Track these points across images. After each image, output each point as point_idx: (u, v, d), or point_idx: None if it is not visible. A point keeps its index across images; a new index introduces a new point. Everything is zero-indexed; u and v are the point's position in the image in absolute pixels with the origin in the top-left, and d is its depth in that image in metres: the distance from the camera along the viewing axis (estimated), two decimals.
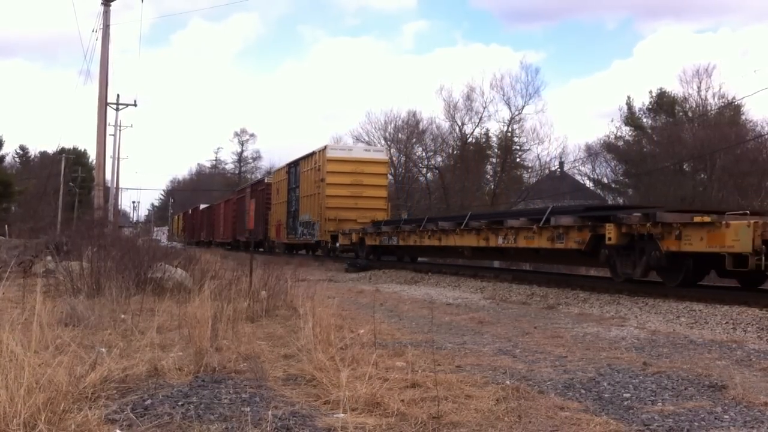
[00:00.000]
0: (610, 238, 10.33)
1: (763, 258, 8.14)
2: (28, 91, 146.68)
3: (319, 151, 23.02)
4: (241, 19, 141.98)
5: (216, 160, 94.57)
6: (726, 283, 11.09)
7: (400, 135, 59.11)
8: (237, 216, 35.86)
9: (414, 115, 59.02)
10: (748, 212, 9.36)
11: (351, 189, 22.06)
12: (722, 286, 11.02)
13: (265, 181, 31.92)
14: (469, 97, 53.19)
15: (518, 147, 53.72)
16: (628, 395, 4.36)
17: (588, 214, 11.35)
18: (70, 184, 65.41)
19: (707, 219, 8.96)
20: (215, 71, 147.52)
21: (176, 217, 73.85)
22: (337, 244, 21.63)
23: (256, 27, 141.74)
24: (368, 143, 57.10)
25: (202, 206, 53.52)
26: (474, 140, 54.21)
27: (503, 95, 60.33)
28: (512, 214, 15.21)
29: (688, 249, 9.27)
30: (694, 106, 46.99)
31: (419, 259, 20.17)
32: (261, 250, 29.73)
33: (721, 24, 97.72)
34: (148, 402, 3.94)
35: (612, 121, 78.89)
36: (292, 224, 25.74)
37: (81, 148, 75.54)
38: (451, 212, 37.50)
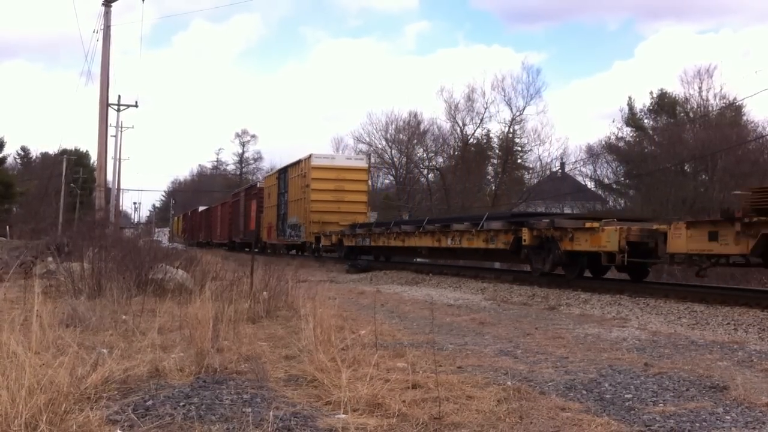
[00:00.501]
0: (525, 240, 12.69)
1: (626, 255, 10.41)
2: (30, 92, 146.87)
3: (305, 159, 24.95)
4: (242, 20, 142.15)
5: (217, 161, 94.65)
6: (726, 284, 11.08)
7: (401, 136, 59.15)
8: (232, 218, 37.63)
9: (415, 115, 59.07)
10: (615, 219, 11.45)
11: (334, 194, 23.73)
12: (723, 287, 11.02)
13: (258, 185, 33.53)
14: (470, 98, 53.21)
15: (519, 148, 53.74)
16: (629, 396, 4.35)
17: (511, 220, 13.76)
18: (72, 185, 65.44)
19: (595, 224, 11.07)
20: (217, 72, 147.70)
21: (176, 218, 74.31)
22: (321, 245, 23.36)
23: (257, 28, 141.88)
24: (369, 144, 57.12)
25: (201, 208, 54.64)
26: (475, 141, 54.24)
27: (504, 96, 60.20)
28: (458, 219, 16.99)
29: (579, 248, 11.50)
30: (695, 106, 46.98)
31: (391, 258, 21.34)
32: (256, 250, 31.03)
33: (722, 25, 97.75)
34: (150, 403, 3.94)
35: (613, 121, 78.94)
36: (282, 226, 27.46)
37: (82, 149, 75.61)
38: (452, 213, 37.66)
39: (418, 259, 20.53)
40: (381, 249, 20.01)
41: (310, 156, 24.65)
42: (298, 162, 25.99)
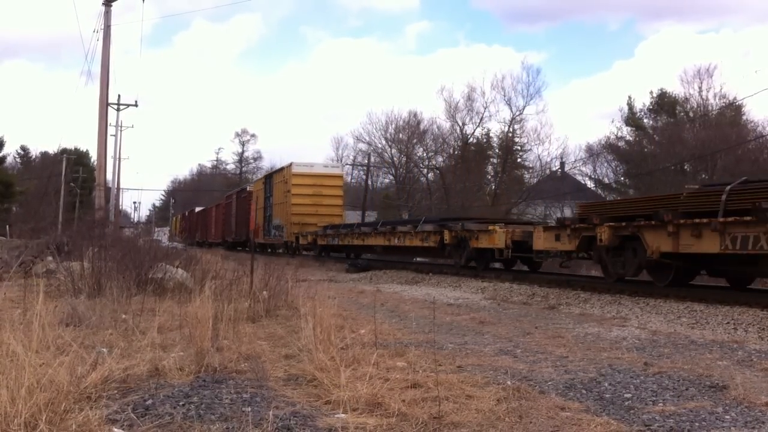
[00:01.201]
0: (446, 240, 16.11)
1: (510, 251, 14.04)
2: (30, 91, 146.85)
3: (287, 167, 28.14)
4: (243, 20, 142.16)
5: (217, 160, 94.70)
6: (725, 284, 11.10)
7: (401, 135, 59.20)
8: (225, 219, 40.47)
9: (415, 115, 59.17)
10: (504, 223, 15.18)
11: (312, 198, 26.45)
12: (723, 286, 11.03)
13: (248, 189, 36.72)
14: (470, 98, 53.30)
15: (519, 147, 53.77)
16: (629, 395, 4.35)
17: (439, 223, 17.16)
18: (71, 184, 65.41)
19: (491, 227, 14.52)
20: (217, 72, 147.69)
21: (175, 218, 74.74)
22: (299, 244, 26.21)
23: (258, 28, 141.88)
24: (368, 143, 57.09)
25: (198, 209, 56.65)
26: (475, 140, 54.26)
27: (504, 95, 60.37)
28: (402, 222, 20.91)
29: (482, 246, 14.86)
30: (695, 106, 47.03)
31: (358, 254, 23.35)
32: (246, 248, 33.36)
33: (723, 25, 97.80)
34: (149, 402, 3.94)
35: (613, 121, 78.96)
36: (267, 227, 30.62)
37: (82, 148, 75.60)
38: (451, 213, 37.78)
39: (369, 255, 22.63)
40: (347, 247, 22.98)
41: (290, 164, 27.67)
42: (281, 169, 29.37)
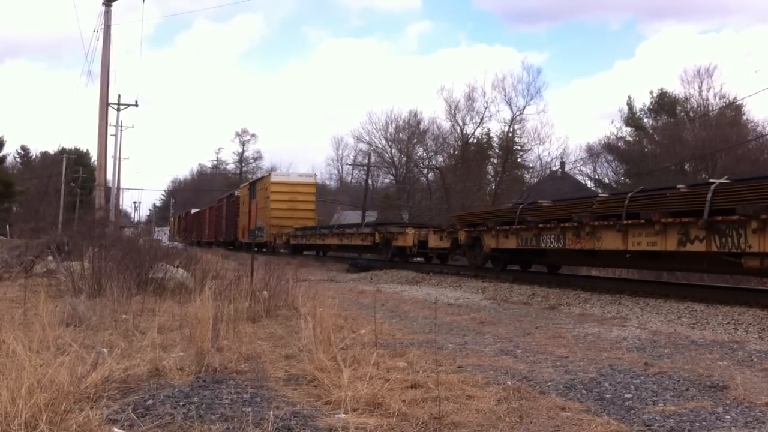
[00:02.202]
0: (377, 239, 20.39)
1: (417, 248, 18.19)
2: (31, 91, 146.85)
3: (267, 176, 33.43)
4: (245, 20, 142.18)
5: (217, 160, 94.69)
6: (727, 284, 11.09)
7: (401, 135, 59.24)
8: (217, 220, 43.97)
9: (415, 115, 59.23)
10: (414, 227, 19.47)
11: (288, 204, 30.46)
12: (723, 286, 11.03)
13: (236, 194, 39.94)
14: (470, 98, 53.34)
15: (519, 147, 53.79)
16: (629, 396, 4.35)
17: (374, 226, 21.82)
18: (72, 184, 65.42)
19: (403, 230, 19.13)
20: (218, 71, 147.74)
21: (173, 219, 75.39)
22: (276, 243, 30.17)
23: (260, 28, 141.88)
24: (369, 143, 57.12)
25: (194, 211, 59.19)
26: (475, 140, 54.26)
27: (504, 95, 60.42)
28: (349, 226, 25.86)
29: (400, 244, 19.16)
30: (695, 106, 47.02)
31: (325, 252, 28.10)
32: (233, 247, 37.25)
33: (724, 25, 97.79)
34: (150, 402, 3.94)
35: (613, 121, 78.99)
36: (251, 228, 33.99)
37: (82, 148, 75.61)
38: (452, 212, 37.95)
39: (330, 251, 26.82)
40: (312, 245, 27.32)
41: (270, 174, 33.54)
42: (263, 177, 34.45)
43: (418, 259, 19.92)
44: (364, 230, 21.74)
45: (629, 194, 10.39)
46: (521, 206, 13.53)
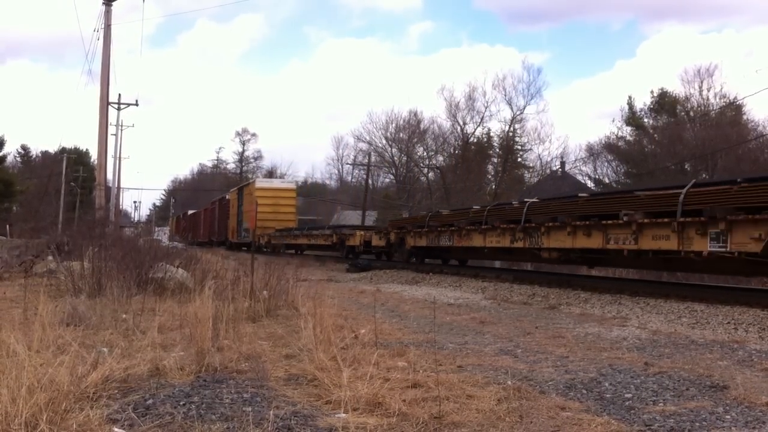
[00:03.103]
0: (334, 240, 23.95)
1: (363, 247, 21.13)
2: (31, 91, 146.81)
3: (252, 182, 37.32)
4: (247, 20, 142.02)
5: (217, 159, 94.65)
6: (728, 283, 11.09)
7: (401, 135, 59.24)
8: (211, 222, 47.18)
9: (415, 114, 59.22)
10: (363, 229, 23.12)
11: (271, 207, 33.11)
12: (723, 286, 11.03)
13: (227, 197, 43.37)
14: (470, 97, 53.38)
15: (520, 147, 53.79)
16: (629, 395, 4.35)
17: (333, 229, 26.00)
18: (72, 183, 65.40)
19: (353, 231, 22.50)
20: (219, 71, 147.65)
21: (171, 219, 76.20)
22: (259, 243, 33.15)
23: (261, 28, 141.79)
24: (369, 143, 57.15)
25: (190, 212, 62.41)
26: (475, 140, 54.26)
27: (505, 95, 60.46)
28: (315, 227, 31.51)
29: (351, 243, 22.41)
30: (695, 105, 47.01)
31: (301, 251, 30.34)
32: (223, 246, 40.75)
33: (725, 25, 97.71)
34: (150, 402, 3.94)
35: (613, 121, 78.89)
36: (239, 229, 37.67)
37: (82, 147, 75.60)
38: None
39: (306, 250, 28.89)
40: (287, 245, 30.56)
41: (255, 180, 38.26)
42: (248, 183, 38.10)
43: (365, 256, 22.18)
44: (325, 232, 25.81)
45: (488, 207, 14.86)
46: (429, 214, 18.14)
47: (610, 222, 10.60)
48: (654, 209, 9.84)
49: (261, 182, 37.09)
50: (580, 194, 12.24)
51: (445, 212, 18.00)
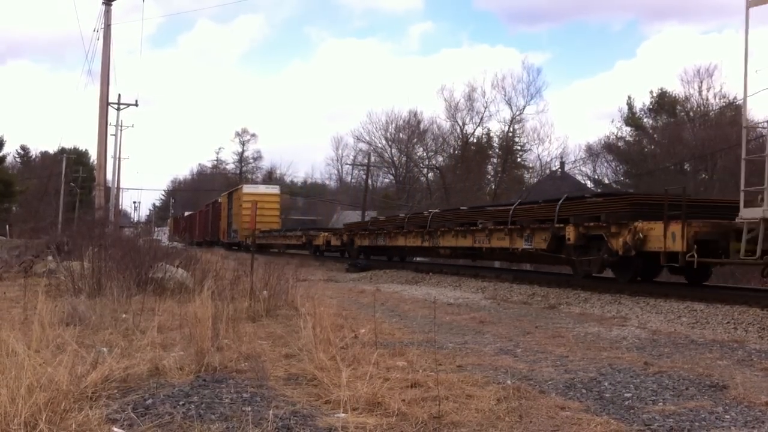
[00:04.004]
0: (304, 240, 26.91)
1: (325, 246, 24.90)
2: (31, 91, 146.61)
3: (240, 187, 40.66)
4: (247, 21, 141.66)
5: (217, 160, 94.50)
6: (726, 283, 11.11)
7: (401, 135, 59.24)
8: (205, 223, 50.77)
9: (415, 115, 59.19)
10: (327, 231, 27.29)
11: (257, 210, 32.94)
12: (723, 286, 11.03)
13: (218, 201, 46.88)
14: (470, 97, 53.34)
15: (519, 147, 53.79)
16: (629, 395, 4.35)
17: (302, 230, 29.43)
18: (71, 184, 65.37)
19: (321, 233, 26.33)
20: (219, 72, 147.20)
21: (169, 220, 77.16)
22: (245, 242, 35.73)
23: (262, 28, 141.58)
24: (368, 143, 57.16)
25: (187, 213, 64.93)
26: (475, 140, 54.27)
27: (504, 95, 60.37)
28: (291, 229, 33.45)
29: (316, 243, 25.84)
30: (695, 106, 47.01)
31: (284, 250, 31.73)
32: (216, 246, 43.25)
33: (725, 25, 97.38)
34: (149, 401, 3.94)
35: (613, 121, 78.90)
36: (228, 230, 41.43)
37: (82, 148, 75.55)
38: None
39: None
40: (270, 245, 32.35)
41: (242, 186, 41.19)
42: (236, 189, 41.51)
43: (328, 253, 25.98)
44: (297, 233, 29.38)
45: (407, 216, 19.51)
46: (370, 220, 24.33)
47: (473, 228, 14.64)
48: (498, 219, 13.87)
49: (248, 188, 40.39)
50: (461, 207, 18.26)
51: (382, 219, 23.51)
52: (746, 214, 8.65)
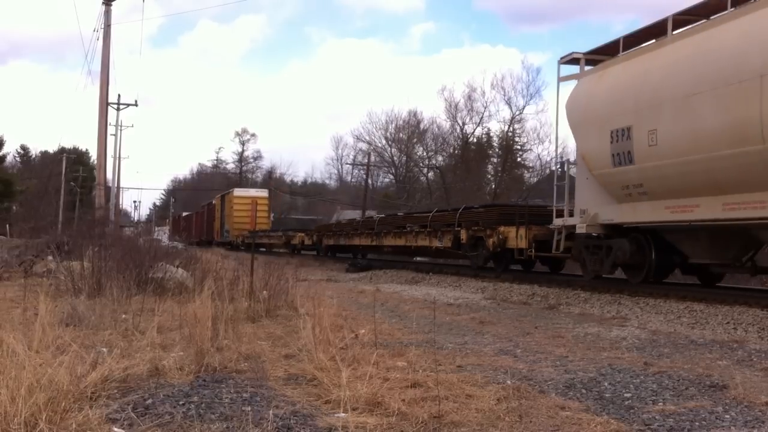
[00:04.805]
0: (284, 240, 30.74)
1: (301, 245, 28.51)
2: (32, 91, 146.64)
3: (232, 191, 43.90)
4: (248, 21, 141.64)
5: (217, 159, 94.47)
6: (726, 283, 11.11)
7: (401, 135, 59.25)
8: (200, 223, 53.45)
9: (415, 114, 59.21)
10: (300, 231, 30.78)
11: (247, 212, 40.42)
12: (723, 286, 11.03)
13: (213, 203, 49.73)
14: (470, 97, 53.29)
15: (519, 147, 53.76)
16: (629, 395, 4.35)
17: (282, 231, 33.08)
18: (71, 183, 65.36)
19: (297, 234, 29.92)
20: (220, 72, 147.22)
21: (167, 220, 78.26)
22: (236, 241, 39.12)
23: (263, 28, 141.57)
24: (368, 143, 57.15)
25: (185, 214, 67.30)
26: (475, 140, 54.25)
27: (504, 95, 60.32)
28: (275, 230, 35.90)
29: (293, 243, 29.49)
30: None
31: (270, 249, 34.82)
32: (213, 245, 45.15)
33: None
34: (149, 401, 3.94)
35: None
36: (221, 231, 44.53)
37: (82, 147, 75.53)
38: None
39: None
40: (257, 244, 33.33)
41: (233, 190, 44.62)
42: (229, 192, 44.71)
43: (306, 251, 28.62)
44: (278, 233, 32.70)
45: (361, 221, 24.24)
46: (334, 223, 29.65)
47: (405, 230, 18.60)
48: (421, 224, 17.88)
49: (238, 191, 43.69)
50: (398, 213, 23.34)
51: (343, 222, 28.04)
52: (556, 222, 12.28)
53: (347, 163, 70.08)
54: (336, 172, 77.65)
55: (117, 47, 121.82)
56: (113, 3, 24.94)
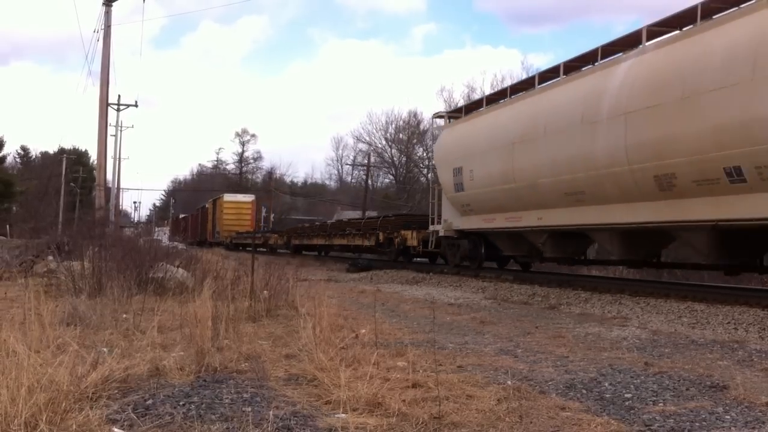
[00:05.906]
0: (271, 241, 35.34)
1: (276, 245, 34.66)
2: (32, 92, 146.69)
3: (221, 197, 48.39)
4: (251, 22, 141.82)
5: (217, 160, 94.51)
6: (726, 283, 11.11)
7: (401, 135, 59.26)
8: (195, 225, 57.93)
9: (415, 115, 59.24)
10: (275, 233, 38.08)
11: (235, 215, 45.85)
12: (723, 286, 11.03)
13: (206, 206, 54.64)
14: (469, 98, 53.24)
15: None
16: (629, 395, 4.35)
17: (261, 233, 40.76)
18: (72, 184, 65.41)
19: (272, 235, 36.67)
20: (221, 72, 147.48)
21: (166, 221, 79.17)
22: (226, 241, 43.64)
23: (265, 29, 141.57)
24: (368, 143, 57.09)
25: (182, 215, 71.55)
26: None
27: None
28: (262, 232, 41.25)
29: (271, 243, 35.49)
30: None
31: (257, 249, 36.97)
32: (209, 245, 49.03)
33: None
34: (150, 402, 3.94)
35: None
36: (213, 232, 49.64)
37: (82, 148, 75.62)
38: None
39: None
40: (243, 243, 38.59)
41: (223, 195, 48.76)
42: (219, 197, 49.21)
43: (281, 250, 32.81)
44: (266, 234, 37.22)
45: (318, 225, 30.94)
46: (300, 226, 34.07)
47: (346, 232, 24.45)
48: (356, 228, 23.86)
49: (227, 197, 48.37)
50: (342, 219, 30.60)
51: (307, 225, 33.40)
52: (430, 228, 17.55)
53: (347, 164, 70.17)
54: (336, 172, 77.72)
55: (118, 48, 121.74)
56: (113, 4, 24.94)
